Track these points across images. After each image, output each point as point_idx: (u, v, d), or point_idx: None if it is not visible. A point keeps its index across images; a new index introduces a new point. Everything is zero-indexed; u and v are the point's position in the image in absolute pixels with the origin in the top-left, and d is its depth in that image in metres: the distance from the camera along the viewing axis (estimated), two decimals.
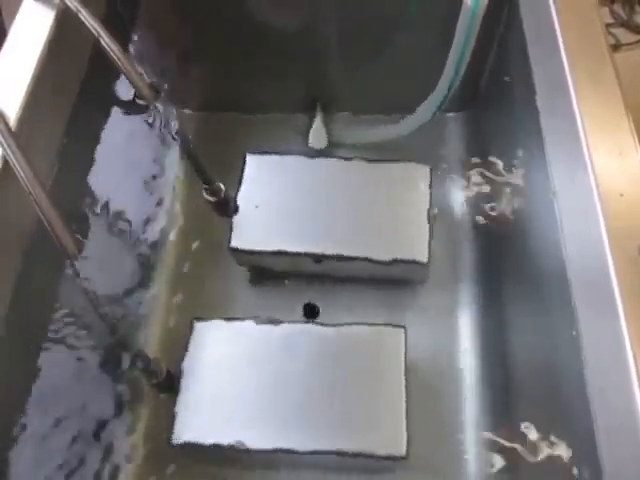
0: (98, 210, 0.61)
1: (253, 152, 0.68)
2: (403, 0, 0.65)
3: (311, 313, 0.68)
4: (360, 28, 0.68)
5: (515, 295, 0.62)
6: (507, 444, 0.57)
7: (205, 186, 0.62)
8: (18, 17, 0.51)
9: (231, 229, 0.64)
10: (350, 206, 0.65)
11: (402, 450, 0.54)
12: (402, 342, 0.59)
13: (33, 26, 0.50)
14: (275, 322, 0.60)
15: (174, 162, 0.78)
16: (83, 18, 0.46)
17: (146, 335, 0.67)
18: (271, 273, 0.69)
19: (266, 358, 0.58)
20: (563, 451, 0.45)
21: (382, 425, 0.55)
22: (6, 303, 0.45)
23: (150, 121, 0.72)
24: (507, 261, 0.65)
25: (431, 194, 0.65)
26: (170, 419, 0.56)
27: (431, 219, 0.64)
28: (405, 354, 0.58)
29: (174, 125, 0.51)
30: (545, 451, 0.48)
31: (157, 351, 0.66)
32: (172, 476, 0.61)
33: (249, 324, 0.60)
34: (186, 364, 0.58)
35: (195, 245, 0.73)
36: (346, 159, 0.68)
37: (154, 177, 0.75)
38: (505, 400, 0.61)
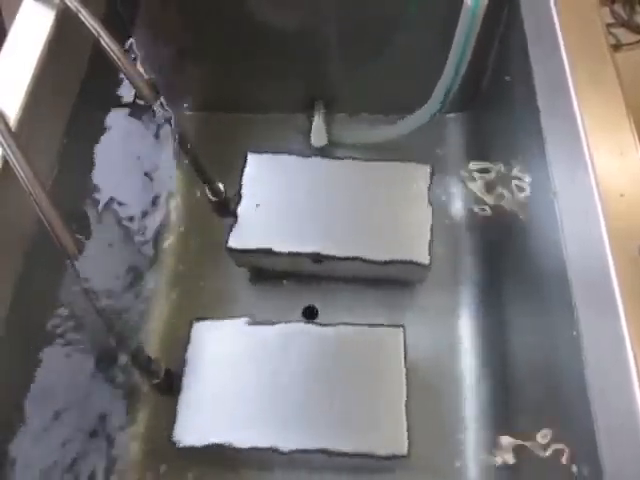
0: (98, 210, 0.61)
1: (254, 151, 0.68)
2: (403, 0, 0.65)
3: (310, 316, 0.68)
4: (360, 28, 0.67)
5: (515, 295, 0.62)
6: (507, 444, 0.57)
7: (205, 186, 0.62)
8: (18, 17, 0.51)
9: (230, 230, 0.64)
10: (350, 206, 0.65)
11: (403, 449, 0.53)
12: (401, 342, 0.59)
13: (33, 26, 0.50)
14: (275, 322, 0.60)
15: (174, 162, 0.78)
16: (83, 18, 0.46)
17: (146, 335, 0.67)
18: (271, 273, 0.69)
19: (265, 358, 0.58)
20: (563, 451, 0.45)
21: (382, 425, 0.55)
22: (7, 304, 0.45)
23: (150, 121, 0.72)
24: (507, 261, 0.65)
25: (431, 194, 0.65)
26: (170, 419, 0.56)
27: (431, 219, 0.64)
28: (405, 354, 0.58)
29: (174, 125, 0.51)
30: (545, 451, 0.48)
31: (157, 351, 0.66)
32: (172, 476, 0.61)
33: (249, 324, 0.60)
34: (186, 364, 0.58)
35: (195, 245, 0.73)
36: (346, 159, 0.68)
37: (153, 177, 0.75)
38: (505, 400, 0.61)
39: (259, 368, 0.58)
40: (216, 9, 0.67)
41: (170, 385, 0.57)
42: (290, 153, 0.69)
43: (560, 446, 0.46)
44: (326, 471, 0.60)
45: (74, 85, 0.55)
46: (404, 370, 0.57)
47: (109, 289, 0.64)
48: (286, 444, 0.54)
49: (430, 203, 0.65)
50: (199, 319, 0.61)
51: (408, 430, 0.54)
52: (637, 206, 0.40)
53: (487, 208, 0.71)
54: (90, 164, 0.60)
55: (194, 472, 0.61)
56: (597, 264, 0.39)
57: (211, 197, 0.63)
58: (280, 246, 0.63)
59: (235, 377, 0.58)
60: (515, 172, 0.62)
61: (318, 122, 0.77)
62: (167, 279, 0.71)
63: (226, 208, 0.65)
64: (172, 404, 0.57)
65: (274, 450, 0.54)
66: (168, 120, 0.50)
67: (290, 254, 0.63)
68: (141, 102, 0.49)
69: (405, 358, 0.58)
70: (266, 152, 0.69)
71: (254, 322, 0.60)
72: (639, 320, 0.36)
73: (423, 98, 0.62)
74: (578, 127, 0.43)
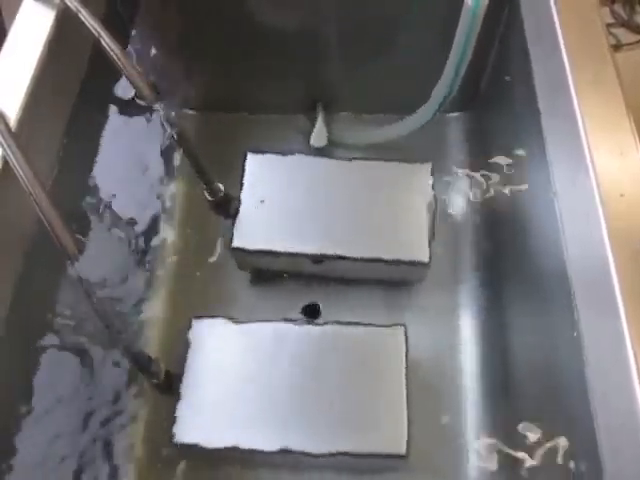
0: (98, 210, 0.61)
1: (254, 151, 0.68)
2: (403, 0, 0.65)
3: (312, 314, 0.68)
4: (360, 28, 0.67)
5: (516, 295, 0.62)
6: (507, 444, 0.57)
7: (205, 186, 0.62)
8: (18, 17, 0.51)
9: (232, 230, 0.64)
10: (351, 206, 0.65)
11: (403, 449, 0.53)
12: (402, 341, 0.59)
13: (33, 26, 0.50)
14: (275, 322, 0.60)
15: (174, 162, 0.78)
16: (83, 18, 0.46)
17: (146, 335, 0.67)
18: (271, 273, 0.69)
19: (265, 358, 0.58)
20: (563, 451, 0.45)
21: (382, 425, 0.55)
22: (7, 304, 0.45)
23: (150, 121, 0.72)
24: (508, 261, 0.65)
25: (432, 194, 0.65)
26: (170, 419, 0.56)
27: (432, 219, 0.64)
28: (406, 353, 0.58)
29: (174, 125, 0.51)
30: (545, 451, 0.48)
31: (157, 351, 0.66)
32: (172, 475, 0.60)
33: (249, 324, 0.60)
34: (186, 364, 0.58)
35: (195, 245, 0.73)
36: (347, 159, 0.68)
37: (153, 177, 0.76)
38: (505, 400, 0.61)
39: (259, 367, 0.58)
40: (216, 9, 0.67)
41: (170, 385, 0.57)
42: (290, 153, 0.69)
43: (560, 446, 0.46)
44: (326, 471, 0.60)
45: (74, 85, 0.55)
46: (404, 370, 0.57)
47: (108, 289, 0.64)
48: (286, 444, 0.54)
49: (430, 203, 0.65)
50: (198, 318, 0.61)
51: (408, 430, 0.54)
52: (637, 206, 0.40)
53: (487, 208, 0.71)
54: (90, 164, 0.60)
55: (194, 472, 0.61)
56: (597, 264, 0.39)
57: (211, 197, 0.63)
58: (281, 246, 0.63)
59: (235, 376, 0.58)
60: (515, 172, 0.62)
61: (319, 122, 0.77)
62: (167, 279, 0.71)
63: (226, 208, 0.64)
64: (172, 403, 0.57)
65: (274, 450, 0.54)
66: (168, 120, 0.50)
67: (290, 254, 0.63)
68: (141, 102, 0.49)
69: (406, 358, 0.58)
70: (266, 152, 0.69)
71: (254, 322, 0.60)
72: (639, 320, 0.36)
73: (423, 98, 0.62)
74: (578, 127, 0.43)
